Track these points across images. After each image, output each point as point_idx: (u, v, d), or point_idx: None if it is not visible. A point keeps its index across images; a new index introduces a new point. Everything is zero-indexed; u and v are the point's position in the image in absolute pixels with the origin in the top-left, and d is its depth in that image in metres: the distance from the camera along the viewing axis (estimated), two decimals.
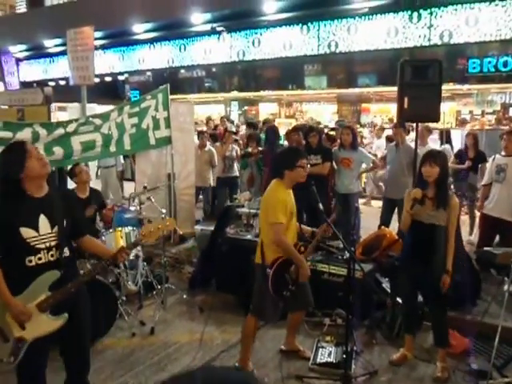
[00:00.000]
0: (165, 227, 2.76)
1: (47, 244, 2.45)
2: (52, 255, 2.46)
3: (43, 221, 2.44)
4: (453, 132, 9.15)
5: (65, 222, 2.52)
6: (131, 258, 4.56)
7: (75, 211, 2.71)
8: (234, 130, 8.44)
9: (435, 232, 3.35)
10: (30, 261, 2.41)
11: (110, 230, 4.60)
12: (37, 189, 2.48)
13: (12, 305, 2.38)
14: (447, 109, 12.40)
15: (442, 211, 3.33)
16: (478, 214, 6.71)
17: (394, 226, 5.98)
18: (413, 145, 5.38)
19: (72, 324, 2.50)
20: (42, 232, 2.44)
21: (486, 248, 4.72)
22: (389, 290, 4.31)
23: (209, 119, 11.52)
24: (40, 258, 2.43)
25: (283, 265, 3.28)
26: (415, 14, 9.11)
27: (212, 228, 5.41)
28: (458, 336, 3.76)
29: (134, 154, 7.46)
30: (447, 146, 8.49)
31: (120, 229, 4.61)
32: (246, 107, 16.76)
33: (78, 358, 2.68)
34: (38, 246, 2.42)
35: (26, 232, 2.39)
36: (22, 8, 16.59)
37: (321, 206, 3.34)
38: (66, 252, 2.54)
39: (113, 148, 5.10)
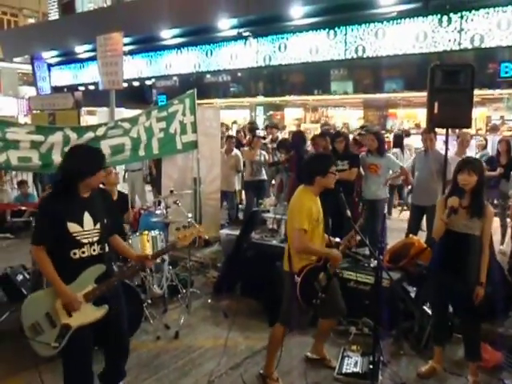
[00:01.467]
0: (198, 233, 3.12)
1: (90, 239, 2.70)
2: (94, 250, 2.72)
3: (87, 218, 2.71)
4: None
5: (105, 220, 2.79)
6: (157, 261, 4.59)
7: (112, 211, 2.96)
8: (262, 135, 8.43)
9: (469, 242, 3.23)
10: (75, 253, 2.66)
11: (137, 234, 4.65)
12: (86, 190, 2.76)
13: (65, 293, 2.62)
14: (477, 114, 12.12)
15: (476, 220, 3.22)
16: (510, 222, 6.54)
17: (421, 234, 5.86)
18: (443, 151, 5.27)
19: (112, 314, 2.76)
20: (86, 228, 2.69)
21: None
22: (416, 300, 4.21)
23: (228, 127, 11.51)
24: (83, 252, 2.68)
25: (311, 273, 3.23)
26: (445, 18, 8.92)
27: (237, 232, 5.40)
28: (490, 349, 3.63)
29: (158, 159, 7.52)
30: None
31: (146, 232, 4.65)
32: (271, 112, 16.75)
33: (117, 345, 2.95)
34: (82, 240, 2.68)
35: (72, 226, 2.65)
36: (54, 15, 17.04)
37: (348, 212, 3.28)
38: (106, 248, 2.80)
39: (142, 152, 5.17)
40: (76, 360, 2.69)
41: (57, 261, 2.65)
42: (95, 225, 2.72)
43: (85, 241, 2.67)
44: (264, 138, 8.34)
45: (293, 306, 3.23)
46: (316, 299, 3.22)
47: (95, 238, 2.72)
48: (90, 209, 2.72)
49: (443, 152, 5.22)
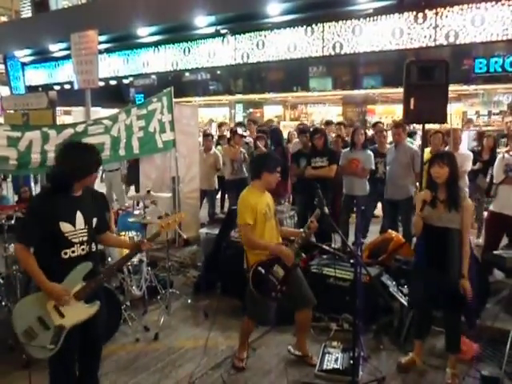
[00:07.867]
0: (180, 219, 3.21)
1: (80, 239, 2.66)
2: (83, 249, 2.68)
3: (79, 217, 2.66)
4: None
5: (94, 219, 2.76)
6: (135, 263, 4.52)
7: (102, 210, 2.95)
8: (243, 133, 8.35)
9: (449, 235, 3.26)
10: (66, 253, 2.62)
11: (114, 235, 4.56)
12: (79, 189, 2.71)
13: (51, 289, 2.55)
14: (453, 110, 12.32)
15: (454, 213, 3.25)
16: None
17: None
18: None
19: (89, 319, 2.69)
20: (78, 227, 2.65)
21: (494, 252, 4.66)
22: (396, 294, 4.23)
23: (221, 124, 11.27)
24: (73, 251, 2.64)
25: (263, 266, 3.29)
26: (420, 15, 9.02)
27: (217, 231, 5.36)
28: (467, 341, 3.67)
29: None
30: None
31: (124, 233, 4.58)
32: (250, 109, 16.74)
33: (91, 352, 2.86)
34: (73, 239, 2.63)
35: (64, 226, 2.60)
36: (27, 13, 16.65)
37: (326, 209, 3.28)
38: (94, 247, 2.77)
39: (122, 152, 5.08)
40: (61, 359, 2.65)
41: (45, 261, 2.58)
42: (86, 224, 2.69)
43: (76, 240, 2.63)
44: (244, 136, 8.28)
45: (256, 301, 3.31)
46: (275, 292, 3.27)
47: (85, 238, 2.68)
48: (82, 208, 2.68)
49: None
